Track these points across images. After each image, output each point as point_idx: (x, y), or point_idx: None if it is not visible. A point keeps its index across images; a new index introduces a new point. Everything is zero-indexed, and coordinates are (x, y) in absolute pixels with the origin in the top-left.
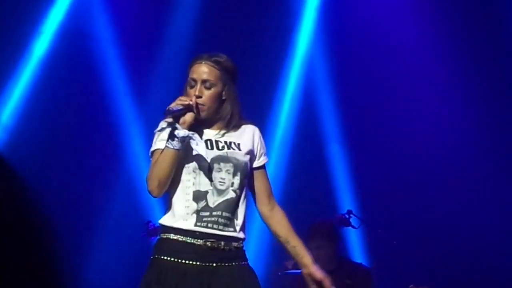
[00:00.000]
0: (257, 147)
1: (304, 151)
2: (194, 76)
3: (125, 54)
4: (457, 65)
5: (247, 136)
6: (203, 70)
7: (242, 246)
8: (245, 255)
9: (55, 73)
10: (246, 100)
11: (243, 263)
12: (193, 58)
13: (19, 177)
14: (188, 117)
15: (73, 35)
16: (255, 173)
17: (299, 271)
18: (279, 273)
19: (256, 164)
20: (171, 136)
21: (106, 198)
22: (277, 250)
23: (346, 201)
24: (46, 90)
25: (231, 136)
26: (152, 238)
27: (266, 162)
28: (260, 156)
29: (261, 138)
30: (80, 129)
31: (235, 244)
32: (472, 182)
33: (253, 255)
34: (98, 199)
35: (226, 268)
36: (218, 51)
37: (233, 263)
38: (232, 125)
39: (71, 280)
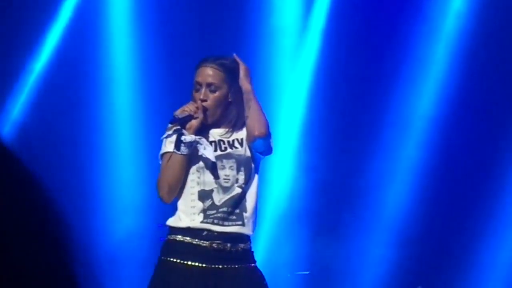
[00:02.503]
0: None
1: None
2: (199, 79)
3: (137, 51)
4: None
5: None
6: (207, 73)
7: (250, 248)
8: (253, 256)
9: (66, 68)
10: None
11: (251, 265)
12: (199, 61)
13: (31, 174)
14: (195, 122)
15: (84, 32)
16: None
17: (307, 272)
18: (288, 275)
19: None
20: (178, 142)
21: (120, 196)
22: (288, 252)
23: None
24: (57, 86)
25: (235, 134)
26: (161, 239)
27: None
28: None
29: None
30: (94, 126)
31: (242, 245)
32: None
33: (262, 257)
34: (111, 196)
35: (232, 270)
36: (228, 44)
37: (240, 265)
38: (238, 127)
39: (83, 281)
